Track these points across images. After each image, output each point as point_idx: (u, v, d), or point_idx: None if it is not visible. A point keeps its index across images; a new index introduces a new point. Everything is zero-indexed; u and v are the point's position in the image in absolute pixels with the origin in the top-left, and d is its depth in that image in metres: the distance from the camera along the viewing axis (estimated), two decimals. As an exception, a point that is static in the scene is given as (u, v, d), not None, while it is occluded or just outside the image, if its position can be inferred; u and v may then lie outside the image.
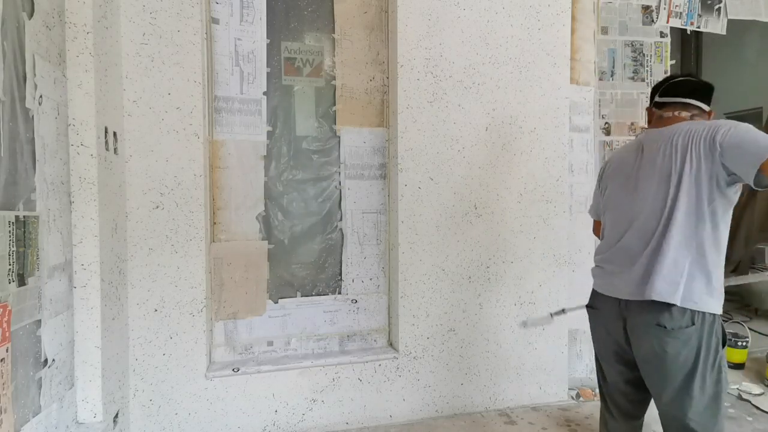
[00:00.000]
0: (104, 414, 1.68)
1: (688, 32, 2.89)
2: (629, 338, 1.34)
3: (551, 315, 2.16)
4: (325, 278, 2.33)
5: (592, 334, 1.53)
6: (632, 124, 2.73)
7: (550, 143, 2.39)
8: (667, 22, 2.79)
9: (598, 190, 1.62)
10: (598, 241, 1.60)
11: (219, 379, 2.05)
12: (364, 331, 2.37)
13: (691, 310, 1.21)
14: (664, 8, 2.77)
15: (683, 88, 1.40)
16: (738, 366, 2.86)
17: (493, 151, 2.33)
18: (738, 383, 2.63)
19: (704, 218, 1.22)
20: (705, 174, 1.20)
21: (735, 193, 1.24)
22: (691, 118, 1.37)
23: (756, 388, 2.56)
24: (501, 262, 2.36)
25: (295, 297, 2.28)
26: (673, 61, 2.82)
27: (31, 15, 1.36)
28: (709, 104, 1.40)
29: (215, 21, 2.11)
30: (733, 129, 1.17)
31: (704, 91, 1.40)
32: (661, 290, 1.22)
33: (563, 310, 2.15)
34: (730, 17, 2.86)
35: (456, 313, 2.32)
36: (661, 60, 2.79)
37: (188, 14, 1.94)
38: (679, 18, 2.81)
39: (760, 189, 1.18)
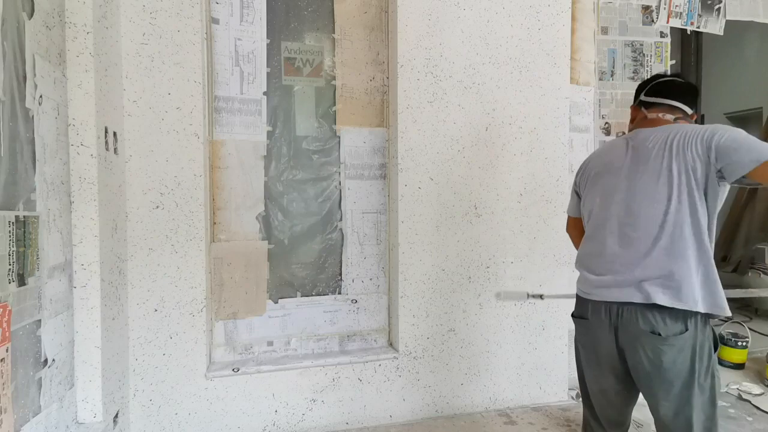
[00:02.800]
0: (104, 414, 1.68)
1: (688, 32, 2.89)
2: (621, 349, 1.31)
3: (527, 294, 2.17)
4: (325, 278, 2.33)
5: (578, 344, 1.46)
6: (632, 124, 2.73)
7: (550, 143, 2.39)
8: (667, 22, 2.79)
9: (578, 188, 1.55)
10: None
11: (219, 379, 2.05)
12: (364, 331, 2.37)
13: (685, 315, 1.20)
14: (664, 8, 2.77)
15: (670, 89, 1.38)
16: (738, 366, 2.86)
17: (493, 151, 2.33)
18: (738, 383, 2.63)
19: (700, 219, 1.22)
20: (701, 176, 1.20)
21: (725, 193, 1.25)
22: (675, 120, 1.36)
23: (756, 388, 2.56)
24: (501, 262, 2.36)
25: (295, 297, 2.28)
26: (673, 61, 2.82)
27: (31, 15, 1.36)
28: (693, 108, 1.39)
29: (215, 21, 2.11)
30: (729, 133, 1.18)
31: (690, 95, 1.39)
32: (666, 294, 1.20)
33: (541, 296, 2.15)
34: (728, 18, 2.86)
35: (456, 313, 2.32)
36: (661, 60, 2.79)
37: (188, 14, 1.94)
38: (679, 18, 2.81)
39: (742, 185, 1.20)
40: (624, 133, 1.57)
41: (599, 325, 1.33)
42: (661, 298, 1.21)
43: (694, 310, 1.19)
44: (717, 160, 1.17)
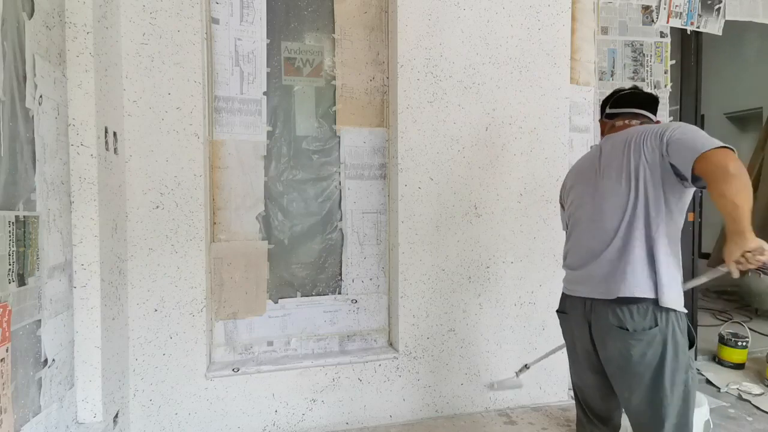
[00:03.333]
0: (104, 414, 1.68)
1: (688, 32, 2.89)
2: (594, 342, 1.35)
3: (516, 375, 2.21)
4: (325, 278, 2.33)
5: (563, 338, 1.53)
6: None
7: (550, 143, 2.39)
8: (667, 22, 2.78)
9: (563, 201, 1.63)
10: None
11: (219, 379, 2.04)
12: (364, 331, 2.37)
13: (653, 310, 1.22)
14: (664, 8, 2.77)
15: (632, 100, 1.47)
16: (738, 366, 2.86)
17: (493, 151, 2.33)
18: (738, 383, 2.63)
19: (661, 212, 1.24)
20: (658, 169, 1.24)
21: (688, 194, 1.27)
22: (641, 124, 1.42)
23: (756, 388, 2.56)
24: (501, 262, 2.36)
25: (295, 297, 2.28)
26: (673, 61, 2.82)
27: (31, 15, 1.36)
28: (655, 114, 1.48)
29: (215, 21, 2.11)
30: (680, 128, 1.22)
31: (651, 103, 1.47)
32: (627, 287, 1.23)
33: (526, 366, 2.19)
34: (728, 18, 2.86)
35: (456, 313, 2.32)
36: (661, 60, 2.79)
37: (188, 14, 1.94)
38: (679, 18, 2.81)
39: (698, 188, 1.21)
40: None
41: (576, 320, 1.40)
42: (614, 292, 1.25)
43: (658, 306, 1.21)
44: (668, 154, 1.20)
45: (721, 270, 1.18)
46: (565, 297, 1.48)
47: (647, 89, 2.70)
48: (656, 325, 1.21)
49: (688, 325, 1.27)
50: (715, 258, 4.58)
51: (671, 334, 1.22)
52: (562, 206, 1.63)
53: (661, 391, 1.23)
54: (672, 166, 1.21)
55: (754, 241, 1.03)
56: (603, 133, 1.55)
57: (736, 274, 1.09)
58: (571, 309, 1.43)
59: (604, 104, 1.54)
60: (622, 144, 1.34)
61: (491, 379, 2.37)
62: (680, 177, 1.20)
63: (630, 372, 1.25)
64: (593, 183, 1.41)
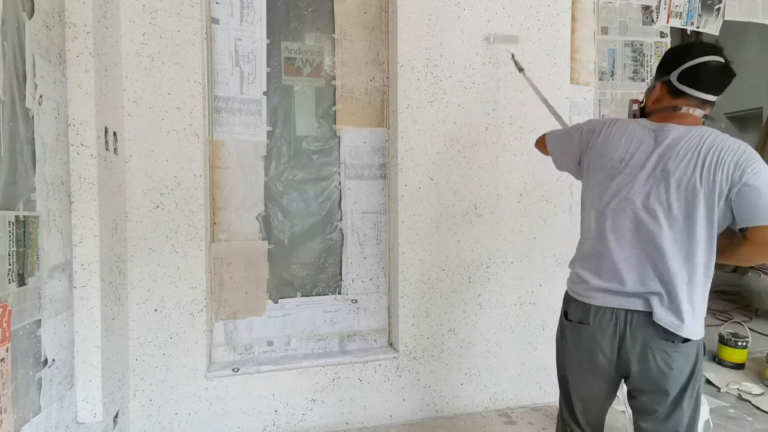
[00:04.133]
0: (104, 414, 1.68)
1: (688, 32, 2.89)
2: (624, 357, 1.25)
3: (512, 56, 2.17)
4: (325, 278, 2.33)
5: (569, 347, 1.38)
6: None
7: (550, 143, 2.39)
8: (667, 22, 2.78)
9: (582, 151, 1.37)
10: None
11: (219, 379, 2.04)
12: (364, 331, 2.37)
13: None
14: (664, 8, 2.77)
15: (709, 80, 1.20)
16: (738, 366, 2.86)
17: (493, 151, 2.33)
18: (738, 383, 2.63)
19: (713, 245, 1.19)
20: (721, 203, 1.15)
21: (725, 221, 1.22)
22: (704, 117, 1.24)
23: (756, 388, 2.56)
24: (501, 262, 2.36)
25: (295, 297, 2.28)
26: (673, 61, 2.82)
27: (31, 15, 1.36)
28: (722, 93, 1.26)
29: (215, 21, 2.11)
30: (761, 174, 1.11)
31: (728, 83, 1.23)
32: (676, 320, 1.19)
33: (521, 69, 2.11)
34: (727, 18, 2.86)
35: (456, 313, 2.32)
36: (661, 60, 2.78)
37: (188, 14, 1.94)
38: (679, 18, 2.81)
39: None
40: (640, 107, 1.40)
41: (602, 331, 1.26)
42: (667, 324, 1.19)
43: (692, 338, 1.19)
44: (736, 199, 1.13)
45: None
46: (583, 306, 1.30)
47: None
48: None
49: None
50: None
51: (699, 345, 1.23)
52: (579, 152, 1.38)
53: (684, 402, 1.24)
54: (732, 204, 1.14)
55: None
56: (657, 101, 1.30)
57: None
58: (595, 319, 1.27)
59: (670, 64, 1.25)
60: (693, 157, 1.15)
61: (491, 378, 2.37)
62: (732, 217, 1.16)
63: (665, 384, 1.23)
64: (641, 187, 1.21)
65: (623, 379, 1.33)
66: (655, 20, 2.76)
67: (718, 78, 1.21)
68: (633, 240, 1.23)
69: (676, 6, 2.79)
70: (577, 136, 1.40)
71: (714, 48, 1.22)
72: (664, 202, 1.18)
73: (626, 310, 1.23)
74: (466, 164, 2.29)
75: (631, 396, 1.33)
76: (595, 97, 2.64)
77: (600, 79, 2.71)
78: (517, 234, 2.37)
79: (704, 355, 1.27)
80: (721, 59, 1.20)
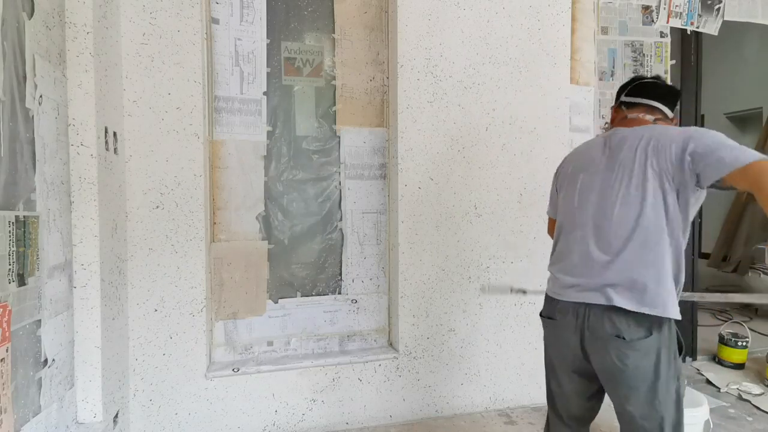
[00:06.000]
0: (104, 414, 1.68)
1: (688, 32, 2.89)
2: (586, 351, 1.29)
3: (511, 290, 2.13)
4: (325, 278, 2.33)
5: (546, 344, 1.45)
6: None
7: (550, 143, 2.39)
8: (667, 22, 2.78)
9: (557, 188, 1.53)
10: None
11: (219, 379, 2.05)
12: (364, 331, 2.37)
13: (649, 319, 1.20)
14: (664, 8, 2.77)
15: (651, 90, 1.37)
16: (738, 366, 2.86)
17: (493, 151, 2.33)
18: (738, 383, 2.63)
19: (674, 224, 1.20)
20: (677, 181, 1.19)
21: (701, 199, 1.23)
22: (654, 122, 1.34)
23: (756, 388, 2.56)
24: (501, 262, 2.36)
25: (295, 297, 2.28)
26: (673, 61, 2.82)
27: (31, 15, 1.36)
28: (673, 110, 1.38)
29: (215, 21, 2.11)
30: (706, 137, 1.16)
31: (671, 97, 1.38)
32: (633, 302, 1.20)
33: (524, 291, 2.11)
34: (726, 18, 2.86)
35: (456, 313, 2.32)
36: (661, 60, 2.79)
37: (188, 14, 1.94)
38: (679, 18, 2.81)
39: (716, 188, 1.17)
40: (605, 130, 1.55)
41: (566, 325, 1.33)
42: (625, 303, 1.20)
43: (660, 315, 1.18)
44: (693, 164, 1.15)
45: None
46: (552, 301, 1.39)
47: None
48: (651, 334, 1.20)
49: (677, 332, 1.26)
50: (715, 258, 4.59)
51: (665, 342, 1.21)
52: (557, 192, 1.53)
53: (654, 400, 1.22)
54: (693, 173, 1.16)
55: None
56: (612, 121, 1.45)
57: None
58: (561, 314, 1.35)
59: (621, 90, 1.44)
60: (636, 145, 1.25)
61: (491, 378, 2.37)
62: (701, 184, 1.17)
63: (624, 382, 1.23)
64: (597, 182, 1.31)
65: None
66: (655, 20, 2.76)
67: (661, 89, 1.38)
68: (592, 234, 1.30)
69: (676, 6, 2.79)
70: (553, 182, 1.59)
71: (657, 77, 1.44)
72: (615, 193, 1.26)
73: (586, 305, 1.27)
74: (466, 164, 2.29)
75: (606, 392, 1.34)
76: (595, 97, 2.64)
77: (600, 79, 2.71)
78: (517, 234, 2.37)
79: (680, 354, 1.25)
80: (662, 82, 1.42)
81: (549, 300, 1.41)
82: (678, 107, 2.91)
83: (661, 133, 1.23)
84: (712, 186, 1.16)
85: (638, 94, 1.39)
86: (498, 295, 2.35)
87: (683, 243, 1.23)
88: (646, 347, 1.20)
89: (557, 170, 1.55)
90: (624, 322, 1.21)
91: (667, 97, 1.37)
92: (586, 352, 1.30)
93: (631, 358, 1.20)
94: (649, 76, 1.45)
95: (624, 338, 1.20)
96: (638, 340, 1.20)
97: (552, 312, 1.39)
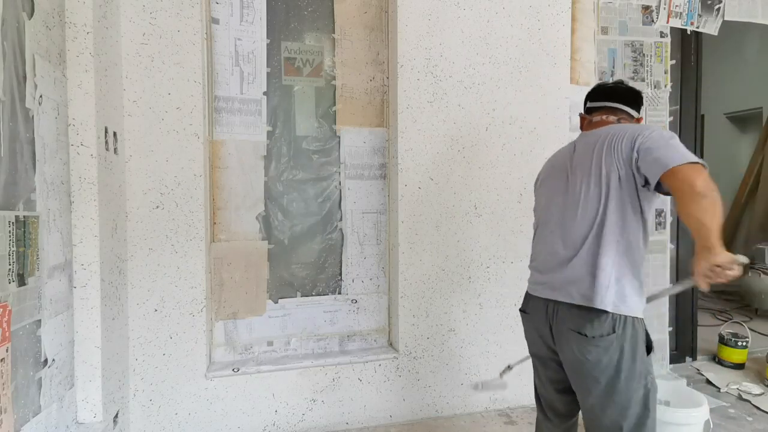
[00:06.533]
0: (104, 414, 1.68)
1: (688, 32, 2.89)
2: (554, 343, 1.35)
3: (501, 375, 2.16)
4: (325, 278, 2.33)
5: (525, 336, 1.53)
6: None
7: (550, 143, 2.39)
8: (667, 22, 2.78)
9: (535, 194, 1.61)
10: None
11: (219, 379, 2.05)
12: (364, 331, 2.37)
13: (612, 317, 1.21)
14: (664, 8, 2.77)
15: (611, 93, 1.43)
16: (738, 366, 2.86)
17: (493, 151, 2.33)
18: (738, 383, 2.63)
19: (630, 219, 1.22)
20: (628, 175, 1.21)
21: (654, 192, 1.23)
22: (618, 122, 1.38)
23: (756, 388, 2.56)
24: (501, 262, 2.36)
25: (295, 297, 2.28)
26: (673, 61, 2.82)
27: (31, 15, 1.36)
28: (638, 111, 1.42)
29: (215, 21, 2.11)
30: (653, 134, 1.18)
31: (632, 97, 1.42)
32: (591, 299, 1.22)
33: (509, 367, 2.16)
34: (727, 19, 2.86)
35: (456, 313, 2.32)
36: (661, 60, 2.78)
37: (188, 14, 1.94)
38: (679, 18, 2.81)
39: (663, 194, 1.19)
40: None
41: (538, 320, 1.40)
42: (581, 299, 1.24)
43: (618, 314, 1.21)
44: (638, 162, 1.18)
45: (688, 283, 1.16)
46: (528, 297, 1.47)
47: (647, 89, 2.70)
48: (614, 332, 1.21)
49: (646, 332, 1.27)
50: None
51: (629, 340, 1.22)
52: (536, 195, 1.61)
53: (616, 395, 1.23)
54: (639, 169, 1.19)
55: (722, 256, 1.01)
56: (581, 128, 1.51)
57: (704, 287, 1.07)
58: (533, 309, 1.42)
59: (586, 98, 1.50)
60: (594, 144, 1.30)
61: (491, 378, 2.37)
62: (647, 184, 1.19)
63: (585, 375, 1.26)
64: (563, 183, 1.37)
65: None
66: (655, 20, 2.76)
67: (621, 91, 1.43)
68: (559, 233, 1.36)
69: (676, 6, 2.79)
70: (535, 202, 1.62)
71: (620, 81, 1.49)
72: (577, 192, 1.31)
73: (553, 301, 1.34)
74: (466, 164, 2.29)
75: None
76: (595, 97, 2.63)
77: (600, 79, 2.71)
78: (517, 234, 2.37)
79: (647, 353, 1.26)
80: (623, 85, 1.46)
81: (526, 295, 1.50)
82: (678, 107, 2.92)
83: (617, 131, 1.27)
84: (662, 192, 1.17)
85: (600, 98, 1.44)
86: (494, 390, 2.33)
87: (641, 240, 1.25)
88: (606, 344, 1.22)
89: (535, 180, 1.62)
90: (587, 318, 1.24)
91: (627, 97, 1.42)
92: (555, 345, 1.36)
93: (593, 353, 1.23)
94: (610, 82, 1.51)
95: (585, 335, 1.23)
96: (600, 337, 1.22)
97: (527, 306, 1.48)
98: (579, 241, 1.28)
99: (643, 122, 1.44)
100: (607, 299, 1.21)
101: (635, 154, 1.18)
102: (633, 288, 1.23)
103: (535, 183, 1.61)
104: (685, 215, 1.06)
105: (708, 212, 1.02)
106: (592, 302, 1.22)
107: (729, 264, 1.01)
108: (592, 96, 1.47)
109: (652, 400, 1.25)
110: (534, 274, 1.46)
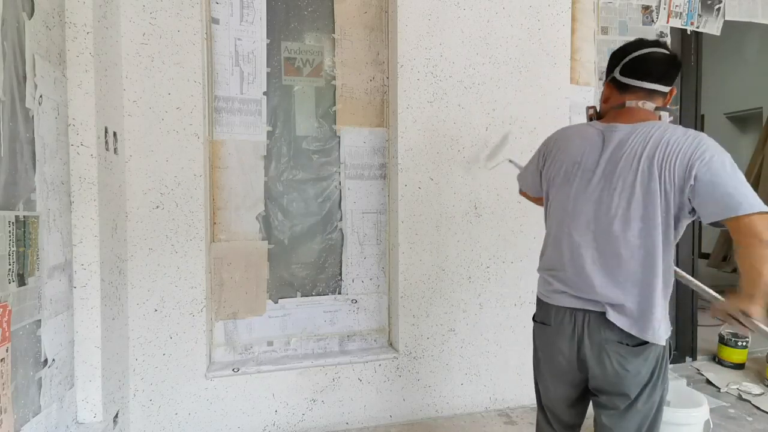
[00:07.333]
0: (104, 414, 1.68)
1: (688, 32, 2.89)
2: (582, 358, 1.24)
3: (510, 161, 2.08)
4: (325, 278, 2.33)
5: (536, 347, 1.39)
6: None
7: (550, 143, 2.39)
8: (667, 22, 2.78)
9: (542, 168, 1.38)
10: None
11: (219, 379, 2.04)
12: (364, 331, 2.37)
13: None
14: (664, 8, 2.77)
15: (650, 69, 1.20)
16: (738, 366, 2.86)
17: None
18: (738, 383, 2.63)
19: (671, 242, 1.16)
20: (676, 200, 1.12)
21: (692, 217, 1.18)
22: (655, 110, 1.22)
23: (756, 388, 2.56)
24: (501, 262, 2.36)
25: (295, 297, 2.28)
26: (673, 61, 2.82)
27: (31, 15, 1.36)
28: (672, 84, 1.23)
29: (215, 21, 2.11)
30: (711, 162, 1.07)
31: (673, 71, 1.22)
32: (644, 329, 1.16)
33: (511, 161, 2.06)
34: (727, 18, 2.86)
35: (456, 313, 2.32)
36: (661, 60, 2.78)
37: (188, 14, 1.94)
38: (679, 18, 2.81)
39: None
40: (596, 112, 1.37)
41: (561, 332, 1.26)
42: (625, 324, 1.17)
43: (655, 343, 1.16)
44: (692, 195, 1.09)
45: (712, 298, 1.20)
46: (546, 306, 1.31)
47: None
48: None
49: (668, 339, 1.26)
50: (716, 257, 4.59)
51: (661, 349, 1.20)
52: (540, 172, 1.40)
53: (643, 404, 1.21)
54: (690, 200, 1.10)
55: (757, 309, 1.01)
56: (606, 101, 1.30)
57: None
58: (556, 320, 1.27)
59: (615, 60, 1.26)
60: (636, 154, 1.14)
61: (491, 378, 2.37)
62: (694, 212, 1.13)
63: (622, 387, 1.21)
64: (595, 191, 1.20)
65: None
66: (655, 20, 2.76)
67: (661, 67, 1.21)
68: (590, 249, 1.21)
69: (676, 6, 2.79)
70: (535, 158, 1.43)
71: (656, 42, 1.24)
72: (616, 207, 1.17)
73: (584, 311, 1.22)
74: (466, 164, 2.29)
75: (592, 393, 1.30)
76: (595, 97, 2.64)
77: (600, 79, 2.71)
78: (517, 234, 2.37)
79: (669, 358, 1.24)
80: (664, 51, 1.22)
81: (542, 304, 1.33)
82: (678, 107, 2.92)
83: (665, 143, 1.12)
84: (713, 225, 1.11)
85: (634, 74, 1.22)
86: (495, 161, 2.23)
87: (672, 260, 1.19)
88: (647, 352, 1.18)
89: (546, 148, 1.38)
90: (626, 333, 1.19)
91: (668, 73, 1.22)
92: (582, 361, 1.25)
93: (633, 363, 1.18)
94: (645, 41, 1.25)
95: (627, 344, 1.17)
96: (639, 345, 1.17)
97: (546, 317, 1.31)
98: (615, 263, 1.17)
99: (675, 92, 1.25)
100: (659, 333, 1.16)
101: (691, 182, 1.08)
102: (665, 313, 1.19)
103: (545, 156, 1.37)
104: (747, 265, 1.03)
105: (767, 263, 1.01)
106: (644, 335, 1.15)
107: (756, 316, 1.01)
108: (625, 67, 1.23)
109: (664, 399, 1.25)
110: (553, 281, 1.29)
